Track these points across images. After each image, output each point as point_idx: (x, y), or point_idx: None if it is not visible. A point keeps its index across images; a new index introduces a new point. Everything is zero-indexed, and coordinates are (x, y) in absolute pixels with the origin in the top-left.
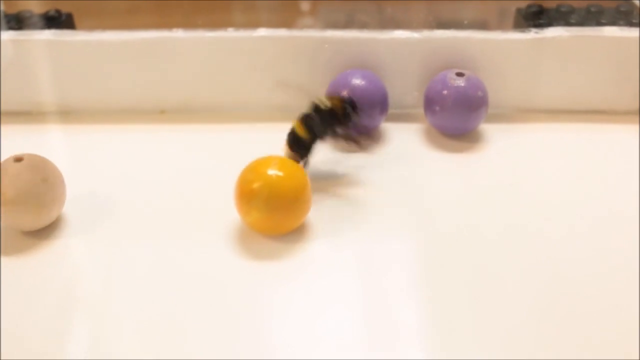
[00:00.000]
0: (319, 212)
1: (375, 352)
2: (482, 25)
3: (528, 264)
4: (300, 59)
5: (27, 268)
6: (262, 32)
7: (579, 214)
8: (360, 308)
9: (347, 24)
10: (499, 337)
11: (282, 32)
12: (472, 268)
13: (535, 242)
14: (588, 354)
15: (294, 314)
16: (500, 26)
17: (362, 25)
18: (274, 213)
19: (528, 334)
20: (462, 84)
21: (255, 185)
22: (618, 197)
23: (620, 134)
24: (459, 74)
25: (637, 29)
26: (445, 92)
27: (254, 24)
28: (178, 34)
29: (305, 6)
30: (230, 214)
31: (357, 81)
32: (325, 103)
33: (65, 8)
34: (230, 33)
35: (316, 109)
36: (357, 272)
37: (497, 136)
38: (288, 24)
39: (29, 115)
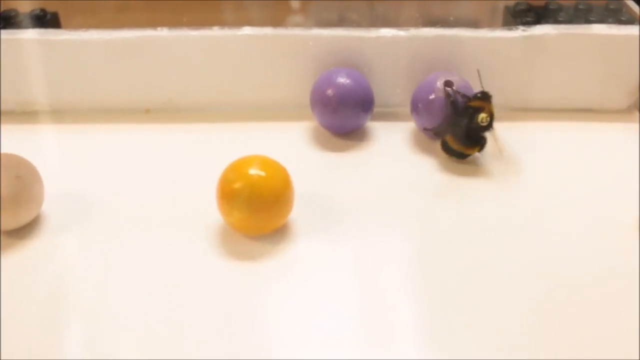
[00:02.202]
0: (302, 212)
1: (362, 348)
2: (474, 23)
3: (523, 261)
4: (285, 57)
5: (5, 268)
6: (247, 30)
7: (573, 211)
8: (344, 305)
9: (339, 23)
10: (494, 336)
11: (267, 31)
12: (464, 266)
13: (530, 239)
14: (588, 354)
15: (278, 313)
16: (491, 24)
17: (354, 24)
18: (255, 213)
19: (524, 332)
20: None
21: (237, 185)
22: (613, 196)
23: (610, 132)
24: (448, 84)
25: (626, 27)
26: (432, 96)
27: (245, 23)
28: (163, 32)
29: (296, 5)
30: (212, 214)
31: (342, 80)
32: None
33: (54, 7)
34: (215, 32)
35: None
36: (339, 270)
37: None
38: (279, 22)
39: (13, 114)
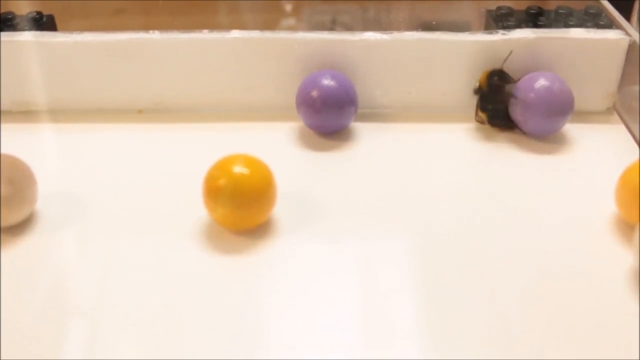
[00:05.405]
0: (285, 209)
1: (347, 343)
2: (466, 27)
3: (521, 258)
4: (272, 59)
5: None
6: (235, 33)
7: (554, 210)
8: (324, 300)
9: (332, 26)
10: (496, 337)
11: (254, 34)
12: (452, 266)
13: (525, 237)
14: (588, 354)
15: (261, 305)
16: (477, 28)
17: (346, 27)
18: (238, 209)
19: (527, 334)
20: None
21: (221, 182)
22: (591, 195)
23: (590, 133)
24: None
25: (604, 31)
26: None
27: (238, 25)
28: (154, 35)
29: (289, 8)
30: (199, 210)
31: (326, 81)
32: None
33: (50, 10)
34: (205, 35)
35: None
36: (319, 264)
37: (469, 137)
38: (272, 25)
39: (9, 114)
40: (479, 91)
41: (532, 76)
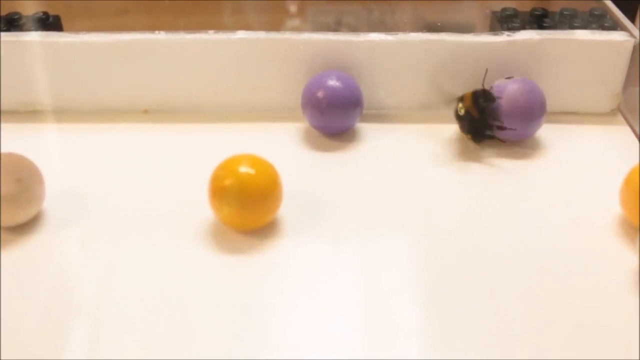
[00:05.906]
0: (291, 209)
1: (352, 342)
2: (471, 28)
3: (522, 259)
4: (278, 60)
5: (3, 263)
6: (241, 34)
7: (558, 211)
8: (328, 300)
9: (336, 27)
10: (499, 338)
11: (260, 35)
12: (457, 265)
13: (527, 237)
14: (590, 355)
15: (262, 307)
16: (484, 29)
17: (351, 28)
18: (244, 209)
19: (529, 335)
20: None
21: (227, 182)
22: (596, 195)
23: (595, 134)
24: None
25: (608, 32)
26: None
27: (245, 26)
28: (160, 36)
29: (294, 9)
30: (205, 210)
31: (332, 82)
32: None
33: (56, 10)
34: (210, 35)
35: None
36: (323, 264)
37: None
38: (277, 26)
39: (15, 113)
40: (466, 117)
41: (500, 84)
